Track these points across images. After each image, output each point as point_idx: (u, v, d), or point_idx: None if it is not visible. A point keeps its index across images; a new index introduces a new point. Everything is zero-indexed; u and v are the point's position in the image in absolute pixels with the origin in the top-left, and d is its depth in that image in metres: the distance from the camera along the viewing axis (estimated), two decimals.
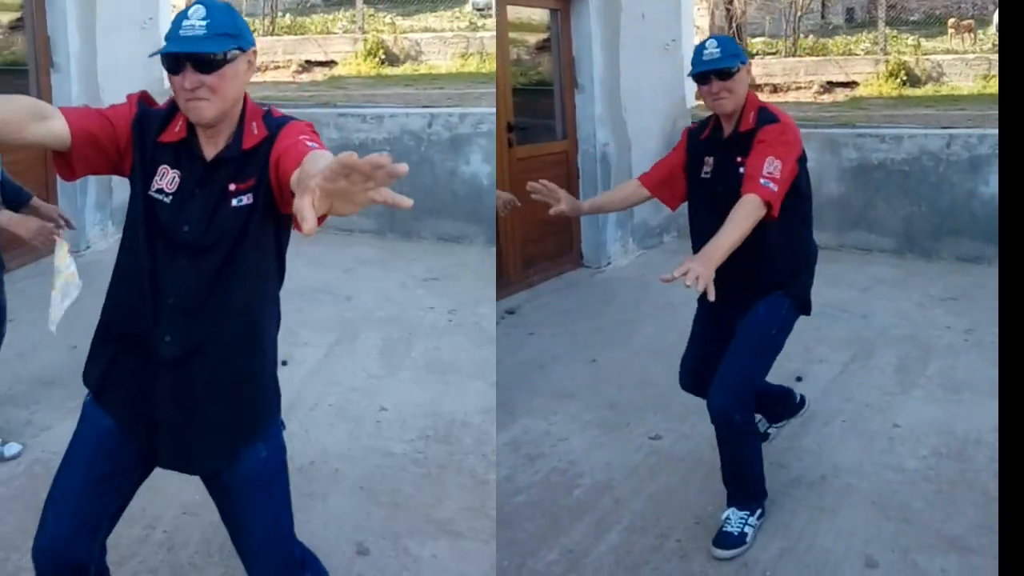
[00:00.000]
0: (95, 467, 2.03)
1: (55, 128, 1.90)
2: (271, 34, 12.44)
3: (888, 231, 6.82)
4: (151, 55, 1.96)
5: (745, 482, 3.16)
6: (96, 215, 6.57)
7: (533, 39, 6.72)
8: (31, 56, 6.23)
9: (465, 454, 3.67)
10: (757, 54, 12.79)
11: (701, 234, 2.97)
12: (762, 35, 13.68)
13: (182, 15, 1.92)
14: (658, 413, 4.15)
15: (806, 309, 3.18)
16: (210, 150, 1.98)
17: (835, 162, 6.93)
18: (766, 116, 2.96)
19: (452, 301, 5.30)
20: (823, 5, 15.22)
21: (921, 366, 4.62)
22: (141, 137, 1.99)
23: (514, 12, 6.28)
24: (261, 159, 1.94)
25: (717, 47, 2.94)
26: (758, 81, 11.65)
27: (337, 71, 11.26)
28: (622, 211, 3.20)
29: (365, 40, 11.57)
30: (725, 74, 2.93)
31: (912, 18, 13.29)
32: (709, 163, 3.08)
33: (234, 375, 2.05)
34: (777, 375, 4.10)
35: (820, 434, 3.90)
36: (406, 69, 11.20)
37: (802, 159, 2.95)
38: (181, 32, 1.89)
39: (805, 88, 11.58)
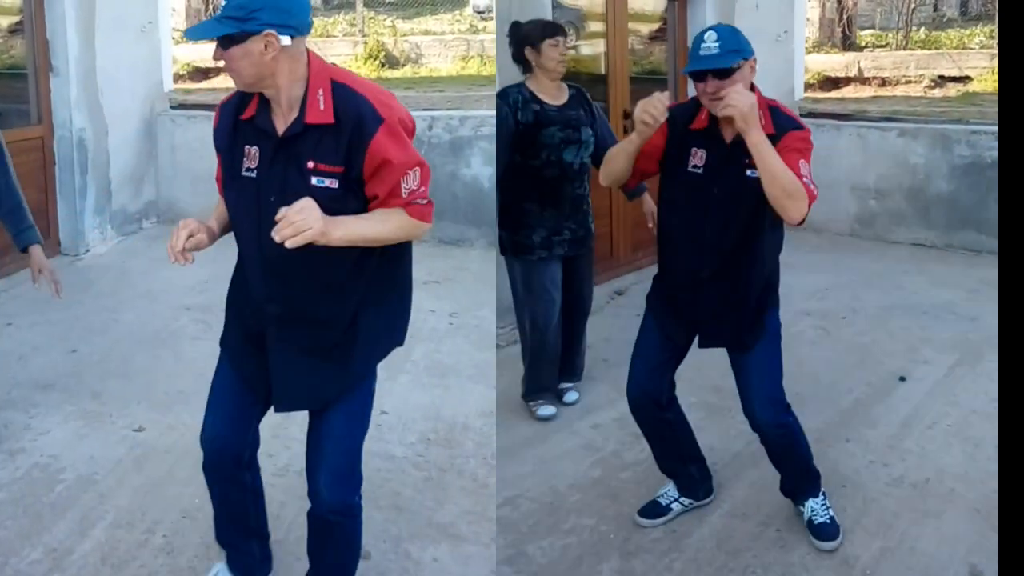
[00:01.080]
0: (237, 381, 2.41)
1: None
2: (904, 48, 12.38)
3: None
4: None
5: (809, 470, 3.04)
6: (95, 219, 6.42)
7: (646, 29, 6.57)
8: (30, 59, 6.16)
9: (467, 457, 3.56)
10: (867, 46, 12.56)
11: (680, 229, 2.80)
12: (872, 27, 13.44)
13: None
14: (141, 404, 3.97)
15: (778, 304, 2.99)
16: (280, 125, 2.11)
17: (946, 159, 6.60)
18: (785, 120, 2.66)
19: (453, 304, 5.17)
20: None
21: (406, 350, 4.27)
22: (225, 135, 2.21)
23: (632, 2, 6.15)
24: (343, 145, 2.05)
25: (716, 40, 2.58)
26: (866, 74, 11.39)
27: (971, 87, 10.96)
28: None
29: (365, 43, 11.58)
30: (723, 73, 2.57)
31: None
32: (699, 156, 2.73)
33: (329, 342, 2.25)
34: (880, 374, 4.20)
35: (924, 436, 3.69)
36: (407, 72, 11.20)
37: None
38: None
39: (915, 82, 11.22)
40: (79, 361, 4.40)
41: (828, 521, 2.96)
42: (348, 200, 2.07)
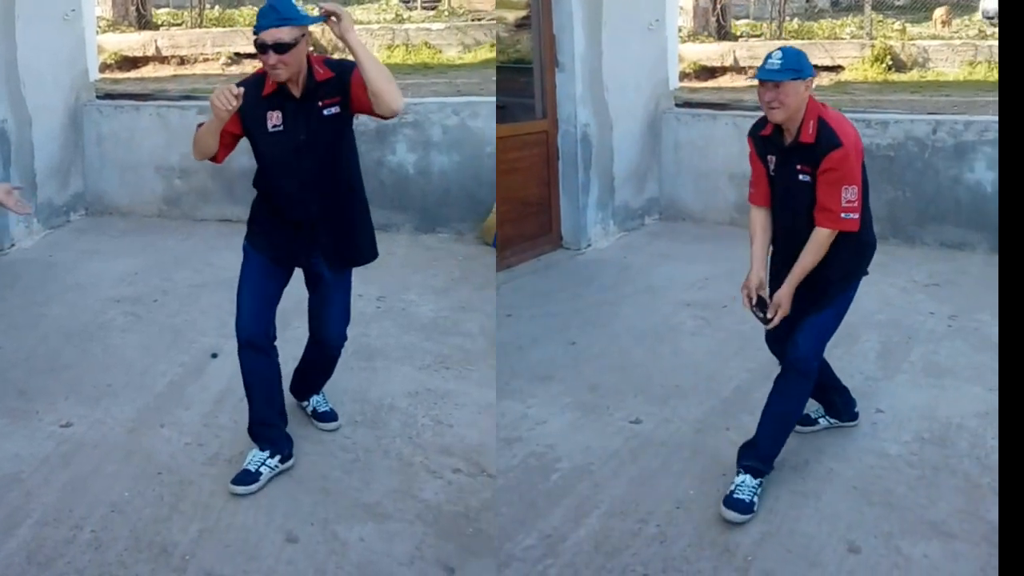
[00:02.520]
0: (262, 277, 3.35)
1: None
2: (200, 26, 12.49)
3: (873, 216, 6.72)
4: None
5: (773, 439, 3.29)
6: None
7: (512, 17, 6.60)
8: (536, 55, 6.42)
9: (959, 457, 3.53)
10: (741, 36, 12.71)
11: (776, 215, 3.34)
12: (747, 17, 13.58)
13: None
14: (638, 396, 4.09)
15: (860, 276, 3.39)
16: (296, 90, 3.12)
17: None
18: (828, 135, 3.07)
19: (953, 307, 5.17)
20: None
21: (904, 351, 4.57)
22: (244, 110, 3.09)
23: None
24: (338, 84, 3.12)
25: (780, 58, 3.07)
26: (741, 64, 11.51)
27: (844, 76, 11.23)
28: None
29: (872, 46, 11.60)
30: (779, 85, 3.06)
31: (898, 3, 13.25)
32: (772, 161, 3.28)
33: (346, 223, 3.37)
34: (759, 360, 4.13)
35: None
36: (913, 75, 11.19)
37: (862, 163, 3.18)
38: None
39: (213, 59, 11.47)
40: (3, 358, 4.39)
41: (746, 500, 3.13)
42: (343, 116, 3.20)
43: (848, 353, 4.47)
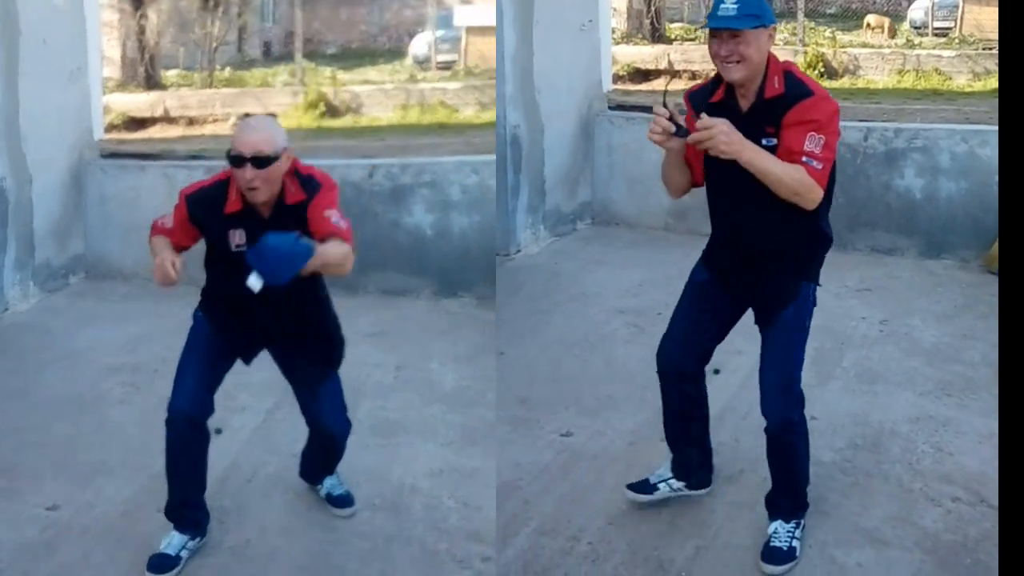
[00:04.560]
0: (208, 352, 3.04)
1: None
2: (210, 86, 12.50)
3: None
4: None
5: (796, 489, 3.03)
6: (15, 275, 5.84)
7: None
8: None
9: (892, 463, 3.52)
10: (676, 39, 12.81)
11: (720, 216, 2.85)
12: (681, 20, 13.72)
13: None
14: (570, 409, 4.00)
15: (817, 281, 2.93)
16: (265, 210, 2.83)
17: None
18: (796, 84, 2.60)
19: (884, 312, 5.13)
20: (239, 38, 15.65)
21: (837, 357, 4.54)
22: (204, 223, 2.87)
23: None
24: (301, 214, 2.79)
25: (736, 1, 2.52)
26: (676, 67, 11.60)
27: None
28: (680, 179, 2.84)
29: (806, 52, 11.68)
30: (733, 34, 2.54)
31: (830, 11, 13.52)
32: None
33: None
34: None
35: (738, 428, 3.78)
36: (844, 83, 11.34)
37: None
38: None
39: (223, 120, 11.76)
40: None
41: (784, 548, 2.92)
42: None
43: None
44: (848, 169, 6.44)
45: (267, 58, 15.18)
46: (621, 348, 4.69)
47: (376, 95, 11.57)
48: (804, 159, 2.50)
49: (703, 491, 3.27)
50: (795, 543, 2.95)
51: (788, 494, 3.02)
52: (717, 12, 2.54)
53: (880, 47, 12.05)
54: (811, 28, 12.42)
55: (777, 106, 2.58)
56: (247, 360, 3.12)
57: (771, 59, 2.62)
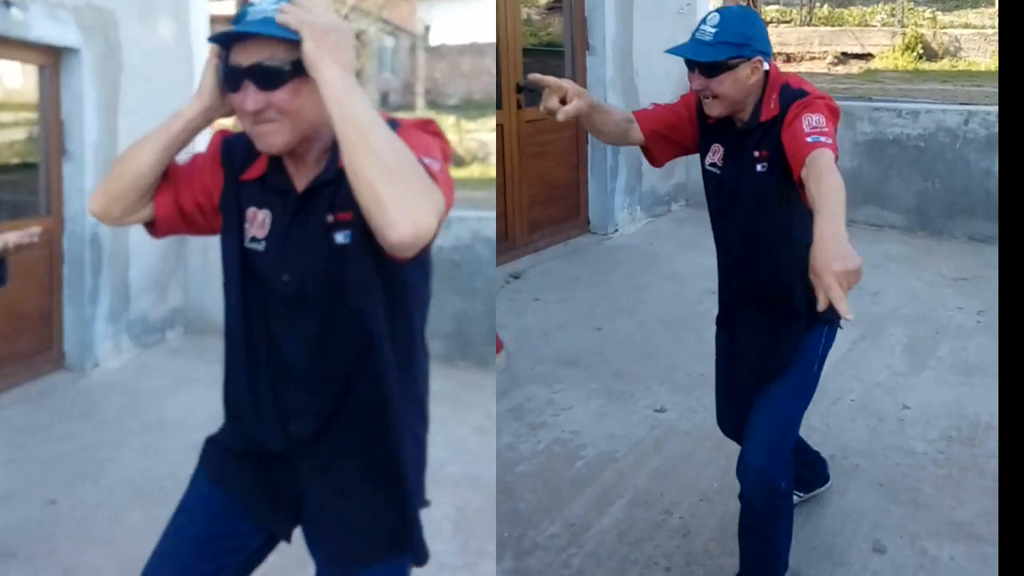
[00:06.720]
0: (200, 527, 1.84)
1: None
2: (808, 24, 12.40)
3: (900, 207, 6.71)
4: None
5: (769, 567, 2.59)
6: (108, 328, 5.36)
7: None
8: (567, 38, 6.39)
9: (988, 457, 3.48)
10: (771, 22, 12.61)
11: (718, 227, 2.52)
12: (777, 3, 13.49)
13: None
14: (663, 385, 4.09)
15: (837, 321, 2.48)
16: (299, 177, 1.67)
17: (849, 135, 6.80)
18: (791, 95, 2.23)
19: (981, 303, 5.11)
20: None
21: (932, 347, 4.54)
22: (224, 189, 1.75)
23: None
24: None
25: (716, 25, 2.17)
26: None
27: (874, 64, 11.09)
28: (606, 138, 2.54)
29: (904, 34, 11.41)
30: (710, 69, 2.19)
31: None
32: (717, 153, 2.42)
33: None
34: None
35: (829, 413, 3.82)
36: (944, 64, 11.01)
37: None
38: None
39: (819, 58, 11.37)
40: (59, 512, 3.51)
41: None
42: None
43: (874, 346, 4.46)
44: (947, 154, 6.37)
45: None
46: (713, 328, 4.71)
47: (975, 39, 11.11)
48: (810, 139, 2.06)
49: (824, 487, 3.26)
50: None
51: (760, 571, 2.59)
52: (695, 35, 2.22)
53: (983, 27, 11.63)
54: (910, 9, 12.05)
55: (772, 129, 2.24)
56: (282, 533, 1.84)
57: (771, 75, 2.28)
